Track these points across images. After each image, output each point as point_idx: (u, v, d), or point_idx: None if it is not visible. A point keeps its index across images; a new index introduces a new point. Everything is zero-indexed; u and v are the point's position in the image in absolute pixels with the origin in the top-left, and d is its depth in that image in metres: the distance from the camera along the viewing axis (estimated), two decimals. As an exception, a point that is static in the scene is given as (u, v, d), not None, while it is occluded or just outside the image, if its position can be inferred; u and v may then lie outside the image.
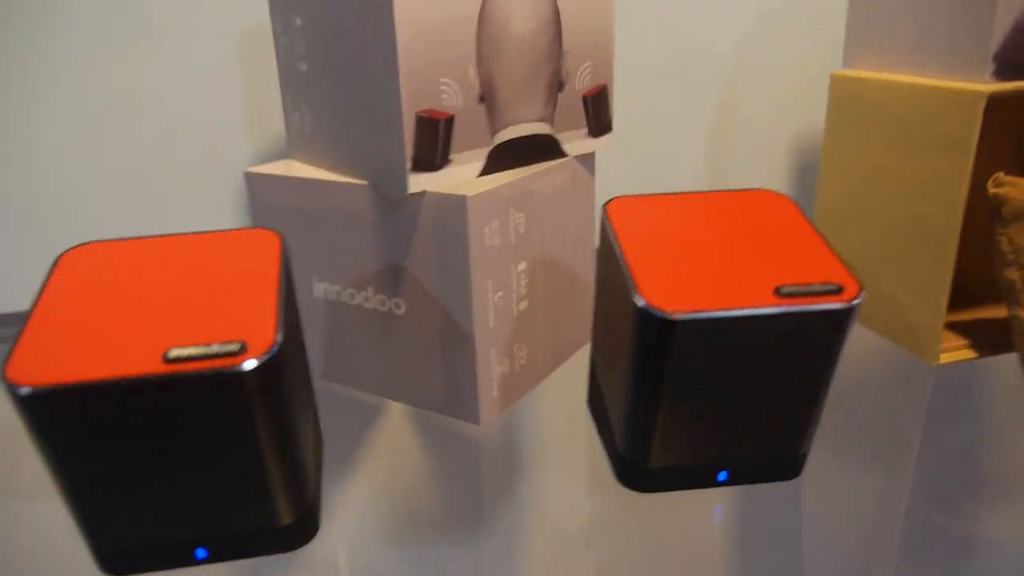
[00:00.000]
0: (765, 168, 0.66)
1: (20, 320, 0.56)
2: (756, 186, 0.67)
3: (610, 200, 0.38)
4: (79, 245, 0.33)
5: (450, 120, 0.40)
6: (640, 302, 0.31)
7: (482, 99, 0.41)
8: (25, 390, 0.26)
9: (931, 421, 0.44)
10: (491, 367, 0.43)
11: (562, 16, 0.43)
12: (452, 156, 0.40)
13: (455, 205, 0.39)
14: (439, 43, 0.38)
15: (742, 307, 0.31)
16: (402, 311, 0.43)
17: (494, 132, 0.42)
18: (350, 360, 0.47)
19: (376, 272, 0.43)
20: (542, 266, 0.46)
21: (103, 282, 0.31)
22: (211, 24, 0.54)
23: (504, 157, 0.43)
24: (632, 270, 0.33)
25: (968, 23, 0.44)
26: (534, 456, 0.42)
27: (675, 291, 0.31)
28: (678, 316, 0.30)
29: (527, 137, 0.44)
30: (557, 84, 0.44)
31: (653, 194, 0.39)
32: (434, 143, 0.39)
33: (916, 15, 0.47)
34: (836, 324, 0.31)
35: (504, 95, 0.42)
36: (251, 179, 0.46)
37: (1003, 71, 0.43)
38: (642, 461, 0.36)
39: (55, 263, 0.32)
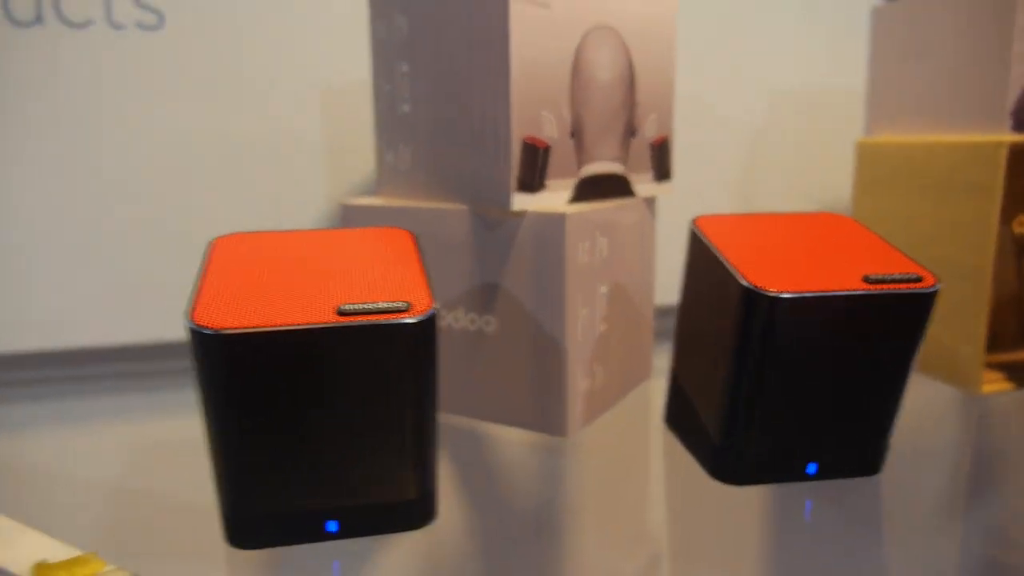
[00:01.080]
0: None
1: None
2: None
3: (696, 218, 0.42)
4: (229, 235, 0.36)
5: (548, 149, 0.44)
6: (747, 284, 0.34)
7: (573, 135, 0.46)
8: (212, 332, 0.28)
9: (978, 450, 0.47)
10: (577, 381, 0.45)
11: (635, 71, 0.49)
12: (547, 183, 0.44)
13: (555, 222, 0.43)
14: (541, 80, 0.43)
15: (837, 289, 0.34)
16: (492, 328, 0.46)
17: (580, 166, 0.46)
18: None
19: (468, 292, 0.46)
20: (618, 294, 0.49)
21: (262, 257, 0.33)
22: (297, 80, 0.59)
23: (588, 190, 0.47)
24: (733, 263, 0.36)
25: (985, 85, 0.50)
26: (617, 468, 0.43)
27: (775, 277, 0.35)
28: (782, 295, 0.34)
29: (607, 175, 0.48)
30: (630, 130, 0.49)
31: (732, 214, 0.43)
32: (534, 167, 0.43)
33: (934, 81, 0.54)
34: (919, 307, 0.35)
35: (590, 134, 0.47)
36: (347, 210, 0.49)
37: (1020, 126, 0.49)
38: (739, 449, 0.38)
39: (210, 246, 0.35)
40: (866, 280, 0.35)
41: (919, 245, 0.55)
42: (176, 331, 0.58)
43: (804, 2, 0.70)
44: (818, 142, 0.71)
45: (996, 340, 0.53)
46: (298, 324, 0.28)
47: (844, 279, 0.35)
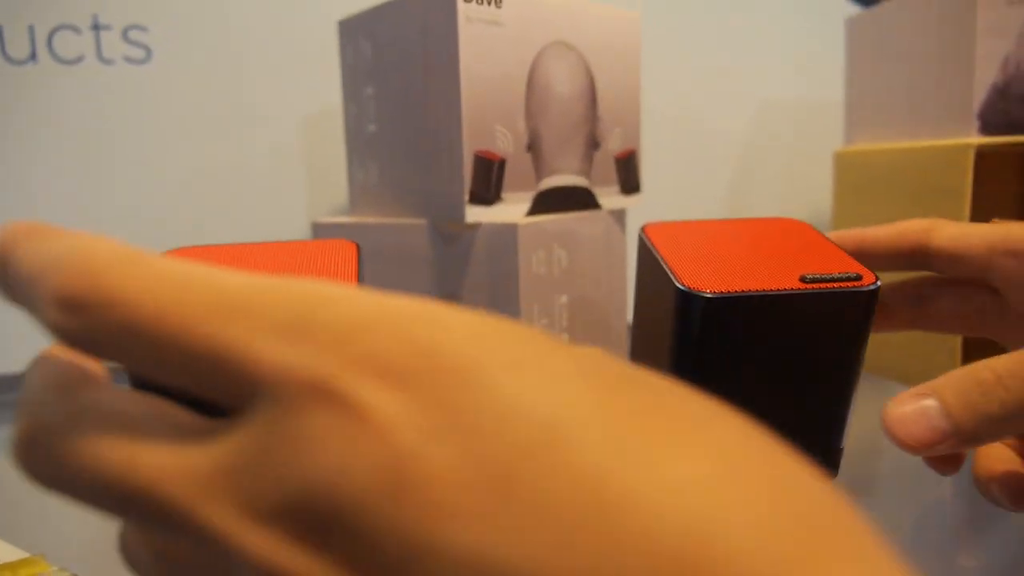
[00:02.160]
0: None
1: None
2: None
3: (645, 224, 0.42)
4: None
5: (502, 162, 0.45)
6: (681, 286, 0.35)
7: (529, 148, 0.46)
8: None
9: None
10: (537, 391, 0.46)
11: (596, 86, 0.50)
12: (503, 195, 0.45)
13: (507, 233, 0.43)
14: (494, 95, 0.44)
15: (771, 288, 0.34)
16: (454, 339, 0.46)
17: (539, 179, 0.47)
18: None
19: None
20: (581, 305, 0.49)
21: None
22: (278, 107, 0.61)
23: (547, 202, 0.48)
24: (671, 266, 0.36)
25: (952, 91, 0.50)
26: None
27: (711, 279, 0.35)
28: (716, 295, 0.34)
29: (568, 187, 0.49)
30: (593, 143, 0.50)
31: (682, 220, 0.43)
32: (488, 180, 0.44)
33: (906, 90, 0.54)
34: (858, 307, 0.35)
35: (548, 147, 0.47)
36: (317, 228, 0.51)
37: (986, 128, 0.49)
38: None
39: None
40: (802, 280, 0.35)
41: (896, 252, 0.54)
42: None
43: (792, 17, 0.71)
44: (804, 153, 0.71)
45: (971, 347, 0.52)
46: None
47: (781, 279, 0.35)
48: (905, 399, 0.30)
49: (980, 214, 0.50)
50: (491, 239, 0.44)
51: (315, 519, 0.15)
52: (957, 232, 0.36)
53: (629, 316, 0.56)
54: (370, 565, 0.14)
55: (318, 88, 0.61)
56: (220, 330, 0.16)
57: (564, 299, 0.48)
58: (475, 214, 0.44)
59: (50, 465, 0.16)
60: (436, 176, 0.45)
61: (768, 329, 0.35)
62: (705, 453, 0.15)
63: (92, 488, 0.16)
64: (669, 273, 0.36)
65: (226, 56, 0.60)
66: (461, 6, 0.42)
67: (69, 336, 0.16)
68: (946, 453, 0.31)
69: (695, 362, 0.35)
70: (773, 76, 0.71)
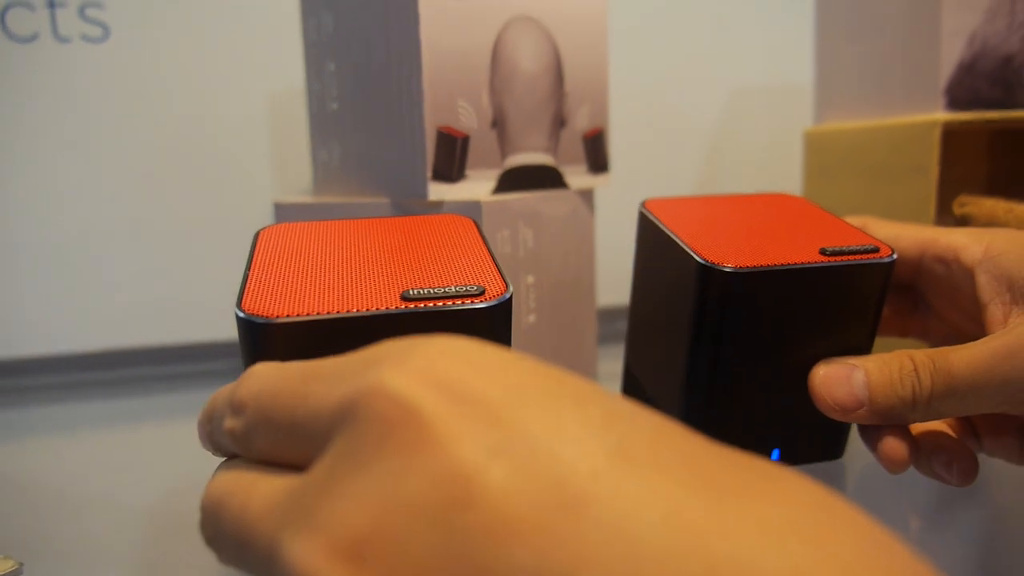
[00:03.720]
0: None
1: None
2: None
3: (645, 200, 0.40)
4: (275, 225, 0.34)
5: (466, 139, 0.44)
6: (702, 260, 0.33)
7: (494, 125, 0.46)
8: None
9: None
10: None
11: (563, 63, 0.49)
12: (467, 173, 0.44)
13: (470, 210, 0.43)
14: (457, 69, 0.43)
15: (794, 262, 0.33)
16: (418, 320, 0.46)
17: (504, 156, 0.46)
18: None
19: (395, 284, 0.46)
20: (549, 286, 0.49)
21: (315, 244, 0.31)
22: (240, 87, 0.60)
23: (513, 180, 0.47)
24: (686, 241, 0.35)
25: (919, 68, 0.50)
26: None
27: (730, 253, 0.34)
28: (738, 269, 0.33)
29: (534, 166, 0.48)
30: (560, 121, 0.49)
31: (681, 196, 0.42)
32: (452, 157, 0.44)
33: (874, 67, 0.54)
34: (877, 279, 0.34)
35: (513, 124, 0.47)
36: (280, 208, 0.50)
37: (953, 104, 0.49)
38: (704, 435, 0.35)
39: (256, 237, 0.32)
40: (823, 252, 0.34)
41: (864, 231, 0.54)
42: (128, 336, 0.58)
43: (770, 1, 0.70)
44: (774, 132, 0.71)
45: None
46: (361, 311, 0.26)
47: (800, 253, 0.34)
48: (837, 364, 0.32)
49: (947, 190, 0.50)
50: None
51: (369, 539, 0.15)
52: (889, 233, 0.37)
53: (598, 296, 0.56)
54: None
55: (281, 66, 0.60)
56: (305, 393, 0.18)
57: (531, 279, 0.47)
58: (438, 192, 0.43)
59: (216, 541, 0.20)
60: (398, 153, 0.45)
61: (787, 302, 0.34)
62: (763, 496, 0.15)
63: (234, 544, 0.19)
64: (685, 248, 0.35)
65: (185, 34, 0.58)
66: (421, -22, 0.41)
67: (237, 439, 0.21)
68: (859, 422, 0.32)
69: (713, 337, 0.34)
70: (744, 56, 0.71)
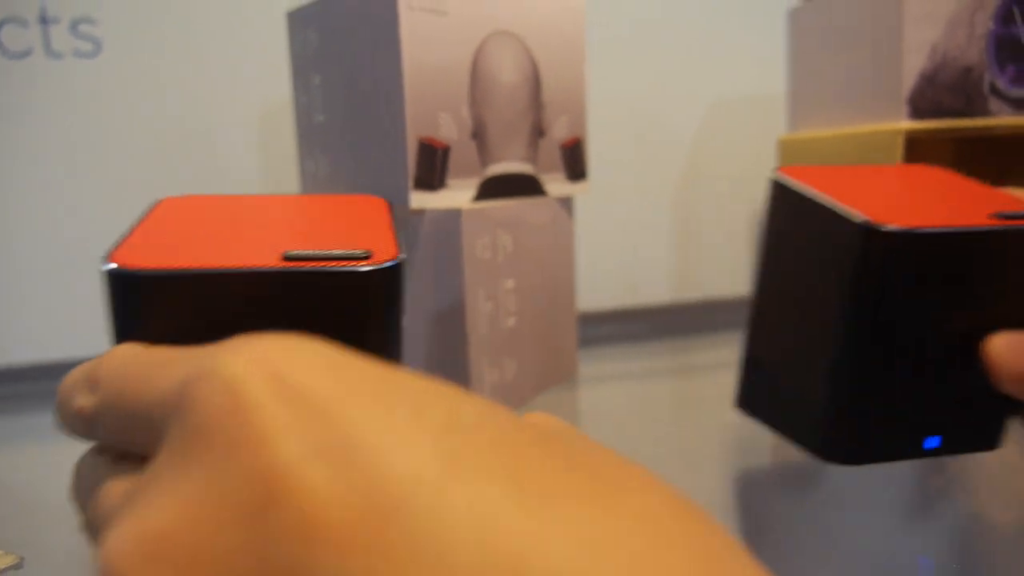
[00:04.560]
0: (729, 215, 0.72)
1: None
2: (723, 237, 0.74)
3: (780, 168, 0.37)
4: (179, 196, 0.32)
5: (447, 149, 0.46)
6: (863, 220, 0.30)
7: (474, 135, 0.47)
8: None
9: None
10: (483, 372, 0.47)
11: (541, 74, 0.51)
12: (448, 182, 0.46)
13: (451, 218, 0.44)
14: (438, 83, 0.45)
15: (965, 225, 0.31)
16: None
17: (484, 166, 0.48)
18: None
19: (379, 290, 0.48)
20: (528, 290, 0.50)
21: (212, 212, 0.29)
22: (229, 100, 0.61)
23: (493, 189, 0.49)
24: (840, 201, 0.32)
25: (883, 78, 0.52)
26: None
27: (888, 214, 0.30)
28: (907, 229, 0.30)
29: (513, 174, 0.50)
30: (538, 131, 0.51)
31: (814, 166, 0.39)
32: (433, 167, 0.45)
33: (843, 78, 0.56)
34: None
35: (493, 135, 0.48)
36: (268, 217, 0.51)
37: (916, 113, 0.51)
38: (852, 423, 0.33)
39: (153, 205, 0.31)
40: (996, 216, 0.31)
41: (835, 235, 0.56)
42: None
43: (746, 14, 0.72)
44: (750, 142, 0.73)
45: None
46: (245, 266, 0.24)
47: (967, 216, 0.31)
48: (1020, 333, 0.31)
49: (911, 197, 0.51)
50: (436, 225, 0.45)
51: (171, 535, 0.14)
52: None
53: (579, 300, 0.57)
54: None
55: (270, 80, 0.61)
56: (142, 383, 0.18)
57: (510, 284, 0.49)
58: (420, 200, 0.45)
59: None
60: (381, 163, 0.46)
61: (958, 269, 0.31)
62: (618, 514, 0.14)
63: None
64: (842, 211, 0.32)
65: (176, 48, 0.60)
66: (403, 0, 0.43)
67: (87, 422, 0.20)
68: None
69: (874, 309, 0.31)
70: (721, 69, 0.73)
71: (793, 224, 0.35)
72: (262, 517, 0.13)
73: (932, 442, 0.34)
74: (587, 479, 0.14)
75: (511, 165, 0.50)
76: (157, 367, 0.18)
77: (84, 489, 0.20)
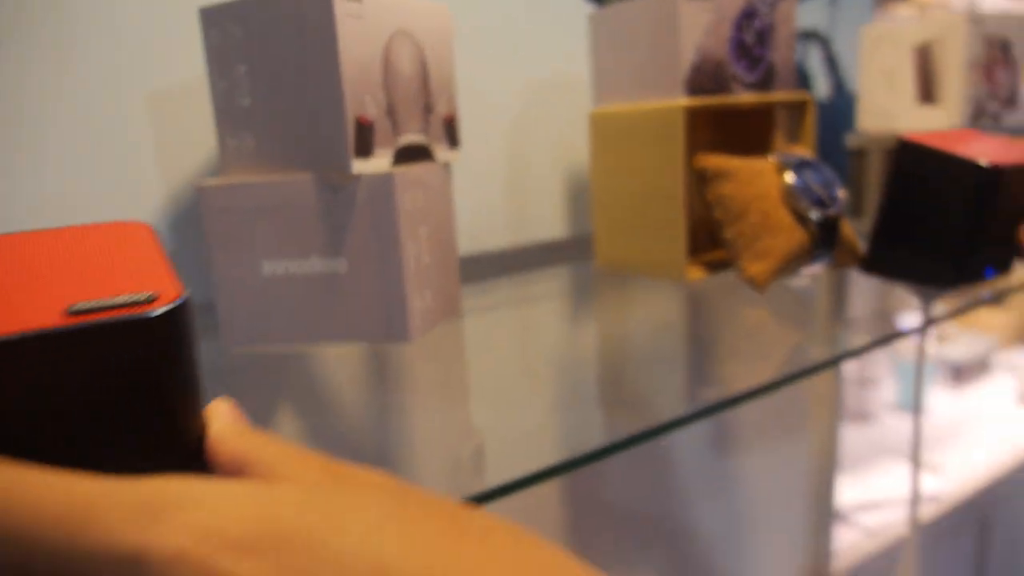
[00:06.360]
0: (555, 179, 0.91)
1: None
2: (549, 193, 0.92)
3: (904, 135, 0.66)
4: None
5: (372, 125, 0.58)
6: (984, 163, 0.59)
7: (388, 114, 0.59)
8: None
9: (689, 314, 0.69)
10: (414, 301, 0.60)
11: (427, 65, 0.64)
12: (374, 151, 0.58)
13: (386, 179, 0.56)
14: (362, 73, 0.57)
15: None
16: (343, 268, 0.59)
17: (396, 138, 0.61)
18: (297, 320, 0.60)
19: (321, 243, 0.58)
20: (433, 235, 0.64)
21: None
22: (127, 85, 0.66)
23: (402, 156, 0.61)
24: (964, 155, 0.60)
25: (666, 67, 0.72)
26: (446, 363, 0.59)
27: (989, 157, 0.60)
28: (1005, 166, 0.60)
29: (415, 145, 0.63)
30: (428, 109, 0.64)
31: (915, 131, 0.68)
32: (365, 140, 0.57)
33: (635, 67, 0.76)
34: None
35: (400, 113, 0.61)
36: (204, 192, 0.59)
37: (691, 92, 0.72)
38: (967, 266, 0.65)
39: None
40: None
41: (640, 184, 0.76)
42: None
43: (559, 17, 0.90)
44: (568, 115, 0.91)
45: (692, 244, 0.76)
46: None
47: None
48: None
49: (689, 152, 0.73)
50: (373, 185, 0.57)
51: None
52: None
53: (460, 242, 0.71)
54: None
55: (168, 66, 0.67)
56: (82, 529, 0.18)
57: (424, 231, 0.62)
58: (358, 166, 0.56)
59: None
60: (322, 138, 0.57)
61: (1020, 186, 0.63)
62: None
63: None
64: (965, 159, 0.60)
65: (76, 35, 0.63)
66: (339, 5, 0.54)
67: None
68: None
69: (984, 229, 0.62)
70: (541, 56, 0.90)
71: (916, 170, 0.65)
72: None
73: (990, 272, 0.66)
74: (450, 523, 0.21)
75: (413, 137, 0.63)
76: (81, 520, 0.18)
77: None
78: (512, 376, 0.63)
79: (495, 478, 0.41)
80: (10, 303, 0.24)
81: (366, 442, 0.50)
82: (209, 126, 0.70)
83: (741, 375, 0.57)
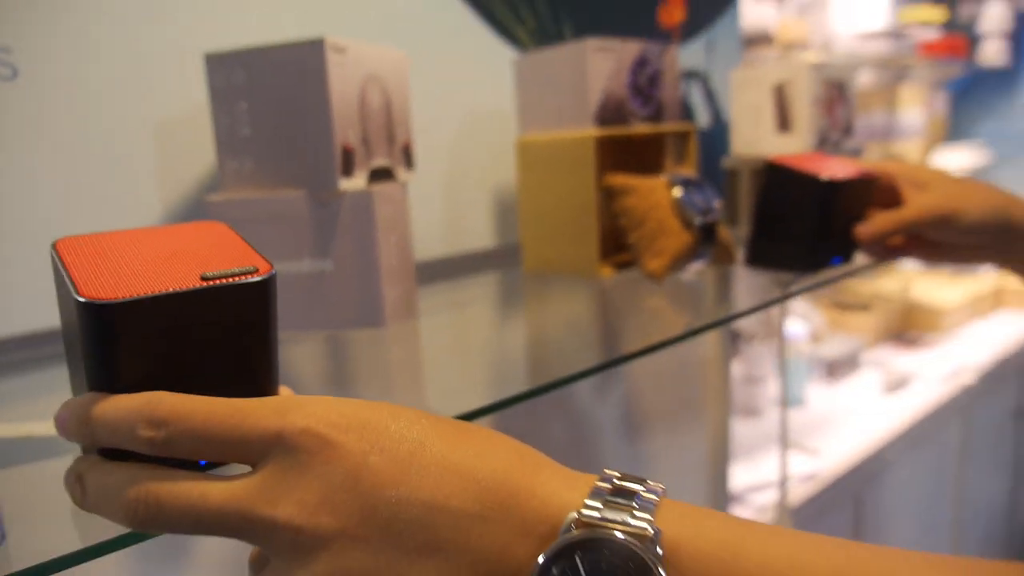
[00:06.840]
0: (486, 196, 1.06)
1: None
2: (482, 208, 1.07)
3: (769, 158, 0.83)
4: (66, 238, 0.36)
5: (353, 151, 0.72)
6: (825, 178, 0.78)
7: (363, 142, 0.74)
8: (101, 302, 0.32)
9: (603, 306, 0.86)
10: (389, 293, 0.74)
11: (391, 102, 0.79)
12: (355, 173, 0.72)
13: (365, 195, 0.71)
14: (346, 108, 0.71)
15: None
16: (330, 266, 0.72)
17: (369, 161, 0.75)
18: (292, 311, 0.73)
19: (311, 246, 0.72)
20: (399, 241, 0.78)
21: (111, 248, 0.35)
22: (135, 116, 0.78)
23: (374, 177, 0.76)
24: (805, 170, 0.80)
25: (580, 104, 0.90)
26: (421, 346, 0.73)
27: (833, 174, 0.79)
28: (833, 180, 0.79)
29: (382, 167, 0.77)
30: (391, 139, 0.79)
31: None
32: (348, 163, 0.71)
33: (551, 101, 0.93)
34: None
35: (371, 142, 0.75)
36: (212, 205, 0.71)
37: (599, 124, 0.89)
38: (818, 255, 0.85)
39: (55, 247, 0.35)
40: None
41: (559, 199, 0.93)
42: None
43: (489, 61, 1.06)
44: (498, 142, 1.08)
45: (603, 248, 0.93)
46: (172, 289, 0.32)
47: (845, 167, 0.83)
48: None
49: (599, 173, 0.90)
50: (355, 200, 0.71)
51: (320, 505, 0.28)
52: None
53: (418, 248, 0.86)
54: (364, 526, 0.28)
55: (174, 97, 0.79)
56: (242, 422, 0.30)
57: (392, 238, 0.76)
58: (344, 184, 0.70)
59: (159, 516, 0.29)
60: (314, 161, 0.70)
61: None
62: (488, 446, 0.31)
63: (190, 522, 0.29)
64: (813, 175, 0.81)
65: (90, 69, 0.74)
66: (330, 56, 0.68)
67: (156, 445, 0.30)
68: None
69: (829, 227, 0.82)
70: (475, 91, 1.06)
71: (778, 188, 0.84)
72: (355, 486, 0.28)
73: (837, 260, 0.84)
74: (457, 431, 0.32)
75: (381, 161, 0.77)
76: (239, 415, 0.30)
77: (111, 485, 0.30)
78: (461, 353, 0.78)
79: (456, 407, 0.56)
80: (162, 272, 0.33)
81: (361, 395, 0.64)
82: (204, 150, 0.82)
83: (646, 339, 0.74)
